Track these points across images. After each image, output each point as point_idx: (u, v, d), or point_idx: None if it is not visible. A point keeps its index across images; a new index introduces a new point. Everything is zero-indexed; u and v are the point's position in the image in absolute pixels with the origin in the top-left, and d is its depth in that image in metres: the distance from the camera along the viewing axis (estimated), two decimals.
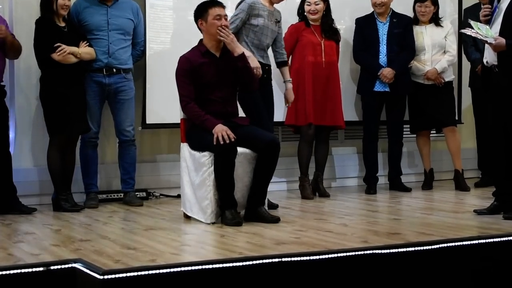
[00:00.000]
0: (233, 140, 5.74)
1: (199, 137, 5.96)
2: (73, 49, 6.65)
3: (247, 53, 6.21)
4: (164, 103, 7.33)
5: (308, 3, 7.45)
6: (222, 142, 5.71)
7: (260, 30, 6.61)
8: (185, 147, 6.17)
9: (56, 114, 6.64)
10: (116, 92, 7.03)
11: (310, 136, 7.47)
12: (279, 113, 7.61)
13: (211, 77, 6.03)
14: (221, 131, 5.74)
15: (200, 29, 6.16)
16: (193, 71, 6.00)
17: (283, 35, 7.14)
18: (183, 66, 6.05)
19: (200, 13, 6.12)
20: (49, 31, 6.64)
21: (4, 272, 4.03)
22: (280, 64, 7.00)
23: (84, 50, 6.75)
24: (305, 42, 7.45)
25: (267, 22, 6.64)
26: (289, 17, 7.52)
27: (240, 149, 5.88)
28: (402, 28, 7.89)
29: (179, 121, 6.31)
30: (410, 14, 8.05)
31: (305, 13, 7.50)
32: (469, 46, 7.98)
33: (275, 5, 6.81)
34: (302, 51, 7.44)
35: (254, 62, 6.29)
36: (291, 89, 6.98)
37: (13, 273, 4.05)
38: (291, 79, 7.01)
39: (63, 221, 6.16)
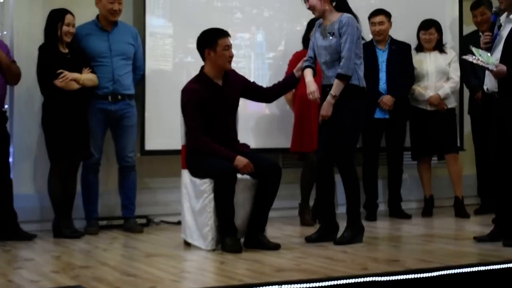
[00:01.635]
0: (252, 171, 5.89)
1: (200, 164, 5.98)
2: (76, 75, 6.67)
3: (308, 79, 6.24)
4: (163, 130, 7.37)
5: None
6: (243, 174, 5.88)
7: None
8: (185, 174, 6.18)
9: (58, 141, 6.65)
10: (120, 118, 7.06)
11: (315, 163, 7.47)
12: (281, 140, 7.64)
13: (216, 106, 6.04)
14: (243, 163, 5.85)
15: (203, 58, 6.15)
16: (201, 102, 6.01)
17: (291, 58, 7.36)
18: (192, 98, 6.03)
19: (208, 42, 6.09)
20: (52, 57, 6.67)
21: None
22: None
23: (87, 77, 6.77)
24: None
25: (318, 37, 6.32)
26: (295, 45, 7.62)
27: (240, 176, 5.89)
28: (401, 56, 7.93)
29: (177, 148, 6.34)
30: (410, 40, 8.08)
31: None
32: (468, 72, 8.01)
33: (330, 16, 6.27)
34: None
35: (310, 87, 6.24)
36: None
37: None
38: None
39: (64, 247, 6.16)
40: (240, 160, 5.87)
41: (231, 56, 6.13)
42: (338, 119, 6.06)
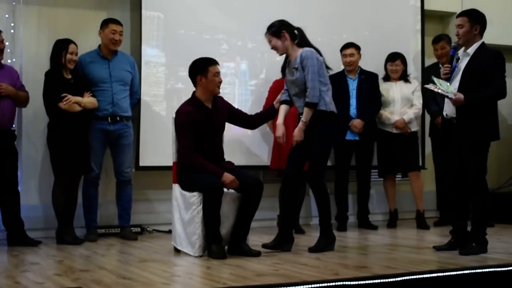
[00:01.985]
0: (238, 186, 5.92)
1: (190, 179, 5.99)
2: (78, 99, 6.67)
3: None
4: (156, 148, 7.38)
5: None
6: (229, 188, 5.93)
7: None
8: (176, 188, 6.17)
9: (61, 157, 6.65)
10: (118, 138, 7.06)
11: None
12: (262, 159, 7.65)
13: (205, 127, 6.05)
14: (230, 179, 5.88)
15: (195, 83, 6.15)
16: (193, 123, 6.01)
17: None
18: (185, 119, 6.03)
19: (200, 69, 6.10)
20: (57, 82, 6.68)
21: None
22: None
23: (88, 100, 6.77)
24: None
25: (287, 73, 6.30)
26: (275, 74, 7.66)
27: (226, 190, 5.90)
28: (370, 84, 7.98)
29: (169, 164, 6.33)
30: (378, 70, 8.14)
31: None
32: (429, 99, 8.05)
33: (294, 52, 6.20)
34: None
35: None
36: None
37: None
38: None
39: (66, 252, 6.14)
40: (227, 177, 5.89)
41: (220, 82, 6.15)
42: (309, 142, 6.04)
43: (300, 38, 6.16)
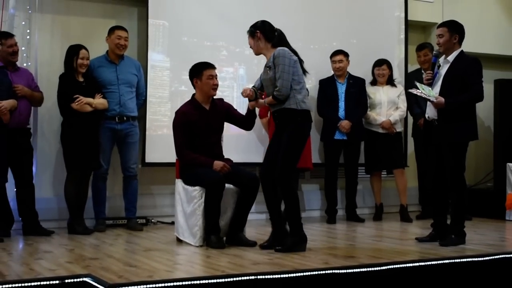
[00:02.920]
0: (229, 170, 5.88)
1: (192, 175, 5.98)
2: (89, 100, 6.66)
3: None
4: (160, 146, 7.35)
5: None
6: (223, 173, 5.85)
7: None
8: (179, 183, 6.16)
9: (73, 153, 6.64)
10: (125, 136, 7.04)
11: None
12: (257, 156, 7.63)
13: (202, 127, 6.04)
14: (220, 165, 5.87)
15: (194, 86, 6.16)
16: (188, 123, 6.00)
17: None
18: (180, 119, 6.04)
19: (195, 73, 6.11)
20: (70, 84, 6.67)
21: (26, 284, 4.03)
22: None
23: (98, 101, 6.75)
24: None
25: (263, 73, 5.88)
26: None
27: (226, 185, 5.88)
28: (357, 88, 7.97)
29: (173, 161, 6.31)
30: (365, 76, 8.12)
31: None
32: (413, 103, 8.05)
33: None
34: None
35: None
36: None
37: (33, 285, 4.05)
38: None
39: (76, 242, 6.11)
40: (217, 164, 5.90)
41: (215, 84, 6.11)
42: (282, 141, 5.63)
43: (277, 40, 5.74)
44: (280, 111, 5.65)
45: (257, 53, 5.88)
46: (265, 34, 5.75)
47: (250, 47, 5.87)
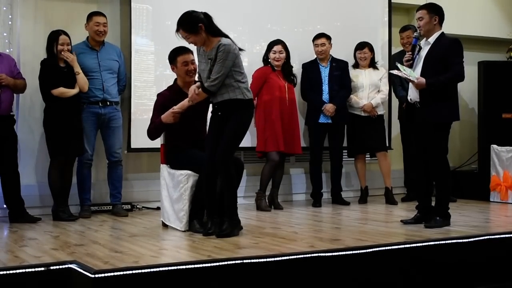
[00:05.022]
0: (178, 116, 5.84)
1: (181, 158, 5.99)
2: (74, 91, 6.65)
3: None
4: (145, 131, 7.25)
5: (274, 52, 7.52)
6: (175, 122, 5.85)
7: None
8: (164, 168, 6.14)
9: (56, 140, 6.59)
10: (108, 121, 7.01)
11: (277, 161, 7.47)
12: (243, 141, 7.61)
13: (183, 112, 5.94)
14: (168, 116, 5.86)
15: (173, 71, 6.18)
16: (166, 106, 5.96)
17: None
18: (158, 101, 6.10)
19: (171, 59, 6.12)
20: (51, 70, 6.61)
21: (11, 272, 4.03)
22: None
23: (80, 77, 6.70)
24: (272, 83, 7.50)
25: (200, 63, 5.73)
26: (256, 63, 7.67)
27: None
28: (340, 71, 7.95)
29: (157, 146, 6.30)
30: (348, 58, 8.11)
31: (270, 60, 7.57)
32: (397, 85, 8.06)
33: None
34: (269, 89, 7.48)
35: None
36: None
37: (18, 272, 4.05)
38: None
39: (61, 229, 6.09)
40: (165, 116, 5.88)
41: (190, 70, 6.05)
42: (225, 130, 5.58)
43: (209, 26, 5.56)
44: (226, 102, 5.56)
45: (202, 45, 5.63)
46: (204, 24, 5.54)
47: (192, 43, 5.64)
